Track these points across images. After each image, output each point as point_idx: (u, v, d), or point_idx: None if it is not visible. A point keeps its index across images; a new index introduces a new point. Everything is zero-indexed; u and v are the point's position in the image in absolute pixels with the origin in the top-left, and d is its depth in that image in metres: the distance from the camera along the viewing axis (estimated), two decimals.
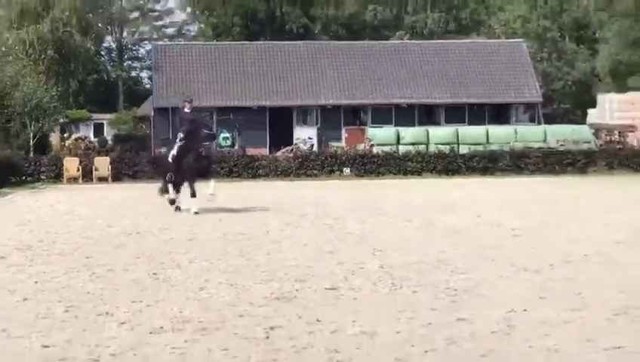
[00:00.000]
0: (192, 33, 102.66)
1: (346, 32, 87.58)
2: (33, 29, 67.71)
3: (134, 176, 46.67)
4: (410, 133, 53.82)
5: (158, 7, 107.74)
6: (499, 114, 63.36)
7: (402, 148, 51.25)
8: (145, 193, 33.49)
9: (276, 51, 66.55)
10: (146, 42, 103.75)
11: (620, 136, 55.48)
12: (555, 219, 24.01)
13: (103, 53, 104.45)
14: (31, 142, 52.83)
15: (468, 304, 11.84)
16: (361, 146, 54.11)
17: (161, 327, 10.46)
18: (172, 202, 26.74)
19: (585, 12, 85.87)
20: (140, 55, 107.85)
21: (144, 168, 47.12)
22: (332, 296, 12.59)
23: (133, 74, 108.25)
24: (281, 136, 59.51)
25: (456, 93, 63.09)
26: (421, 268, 15.10)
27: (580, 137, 53.53)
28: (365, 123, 60.99)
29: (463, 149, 51.34)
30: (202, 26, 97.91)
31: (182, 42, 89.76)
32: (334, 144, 56.46)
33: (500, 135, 53.68)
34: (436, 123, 61.11)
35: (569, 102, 78.12)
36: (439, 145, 52.06)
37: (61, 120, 61.65)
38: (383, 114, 61.62)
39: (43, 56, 65.97)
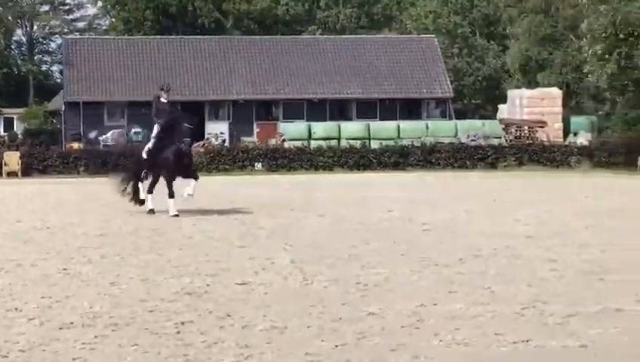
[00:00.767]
0: (104, 27, 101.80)
1: (258, 27, 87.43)
2: None
3: (44, 171, 46.20)
4: (322, 128, 53.95)
5: (69, 0, 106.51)
6: (410, 109, 63.73)
7: (314, 143, 51.37)
8: (55, 188, 33.13)
9: (188, 46, 66.49)
10: (56, 36, 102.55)
11: (529, 131, 56.15)
12: (466, 213, 24.23)
13: (13, 47, 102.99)
14: None
15: (378, 298, 11.88)
16: (272, 141, 54.14)
17: (71, 323, 10.34)
18: (142, 203, 24.23)
19: (495, 8, 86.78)
20: (50, 49, 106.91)
21: (54, 163, 46.73)
22: (243, 290, 12.56)
23: (44, 68, 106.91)
24: (194, 130, 59.14)
25: (367, 88, 63.37)
26: (332, 262, 15.12)
27: (490, 132, 54.12)
28: (277, 118, 61.05)
29: (375, 144, 51.57)
30: (113, 20, 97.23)
31: (93, 36, 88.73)
32: (246, 139, 56.41)
33: (411, 130, 53.99)
34: (348, 118, 61.29)
35: (480, 97, 78.87)
36: (351, 140, 52.24)
37: None
38: (295, 109, 61.68)
39: None
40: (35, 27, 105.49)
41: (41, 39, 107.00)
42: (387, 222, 22.02)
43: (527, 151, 50.85)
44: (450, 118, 62.67)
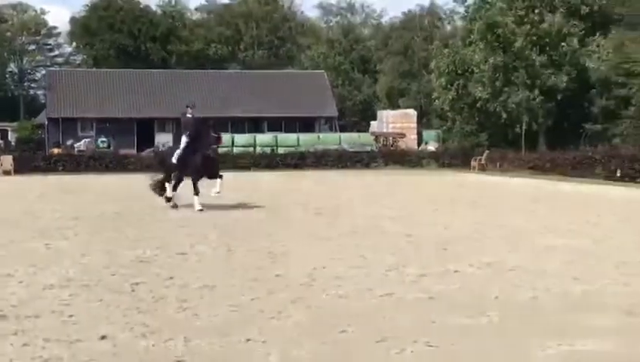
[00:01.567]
0: (77, 62, 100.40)
1: (194, 63, 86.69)
2: None
3: (32, 170, 45.15)
4: (242, 139, 53.77)
5: (50, 41, 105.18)
6: (307, 125, 63.93)
7: (236, 150, 51.15)
8: (38, 183, 32.49)
9: (142, 76, 66.02)
10: (41, 68, 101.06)
11: (393, 141, 56.62)
12: (347, 201, 24.31)
13: (7, 75, 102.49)
14: None
15: (283, 264, 11.89)
16: None
17: (51, 285, 10.17)
18: (168, 200, 21.94)
19: (368, 50, 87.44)
20: (36, 78, 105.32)
21: (40, 164, 45.94)
22: (182, 259, 12.47)
23: (32, 92, 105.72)
24: (146, 140, 58.99)
25: (275, 110, 63.38)
26: (249, 237, 15.09)
27: (364, 142, 54.48)
28: None
29: (281, 150, 51.56)
30: (84, 56, 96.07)
31: (69, 68, 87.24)
32: None
33: (307, 140, 54.10)
34: (261, 131, 61.16)
35: (357, 116, 79.28)
36: (263, 148, 52.28)
37: None
38: (223, 124, 61.27)
39: None
40: (25, 61, 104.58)
41: (29, 70, 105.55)
42: (288, 207, 21.98)
43: (391, 156, 51.23)
44: (336, 131, 62.93)
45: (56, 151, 53.28)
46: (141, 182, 24.61)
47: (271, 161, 49.10)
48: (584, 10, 53.30)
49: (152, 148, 54.49)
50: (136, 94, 63.31)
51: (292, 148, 51.70)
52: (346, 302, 9.15)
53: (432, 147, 54.94)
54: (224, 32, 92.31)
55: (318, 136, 56.11)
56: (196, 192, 21.08)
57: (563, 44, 51.91)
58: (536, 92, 50.93)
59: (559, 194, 27.91)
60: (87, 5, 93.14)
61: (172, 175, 21.97)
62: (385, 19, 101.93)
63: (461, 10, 68.59)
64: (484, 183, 35.17)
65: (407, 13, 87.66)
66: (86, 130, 61.94)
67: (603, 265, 11.77)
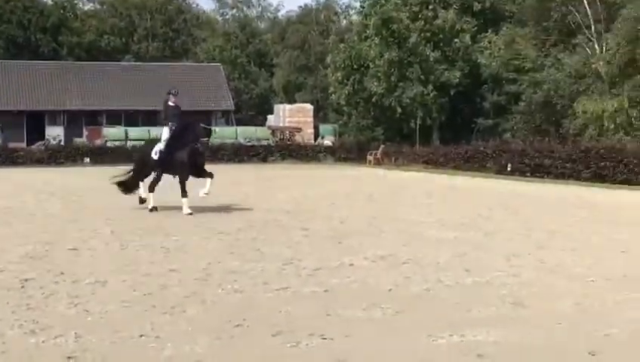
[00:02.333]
0: None
1: (86, 55, 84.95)
2: None
3: None
4: (136, 132, 53.04)
5: None
6: (202, 119, 63.40)
7: (130, 143, 50.46)
8: None
9: (32, 68, 64.30)
10: None
11: (289, 135, 56.71)
12: (245, 195, 24.21)
13: None
14: None
15: (177, 258, 11.81)
16: (98, 141, 53.11)
17: None
18: (142, 201, 19.30)
19: (265, 44, 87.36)
20: None
21: None
22: (74, 254, 12.26)
23: None
24: (36, 133, 57.68)
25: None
26: (143, 232, 14.94)
27: (261, 136, 54.46)
28: (101, 123, 59.55)
29: None
30: None
31: None
32: (78, 139, 54.91)
33: None
34: (155, 124, 60.44)
35: (254, 110, 79.09)
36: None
37: None
38: (116, 117, 60.46)
39: None
40: None
41: None
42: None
43: (288, 150, 51.31)
44: (232, 125, 62.66)
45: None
46: (29, 176, 23.99)
47: None
48: (476, 6, 54.50)
49: (42, 142, 53.42)
50: (26, 86, 61.72)
51: None
52: (241, 297, 9.13)
53: (328, 141, 55.25)
54: (117, 23, 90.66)
55: (215, 130, 55.74)
56: (184, 194, 18.37)
57: (456, 40, 53.02)
58: (430, 87, 51.82)
59: (452, 189, 28.49)
60: None
61: (147, 172, 19.33)
62: (281, 13, 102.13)
63: (357, 5, 69.11)
64: (379, 177, 35.58)
65: (303, 8, 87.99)
66: None
67: (493, 257, 12.07)
